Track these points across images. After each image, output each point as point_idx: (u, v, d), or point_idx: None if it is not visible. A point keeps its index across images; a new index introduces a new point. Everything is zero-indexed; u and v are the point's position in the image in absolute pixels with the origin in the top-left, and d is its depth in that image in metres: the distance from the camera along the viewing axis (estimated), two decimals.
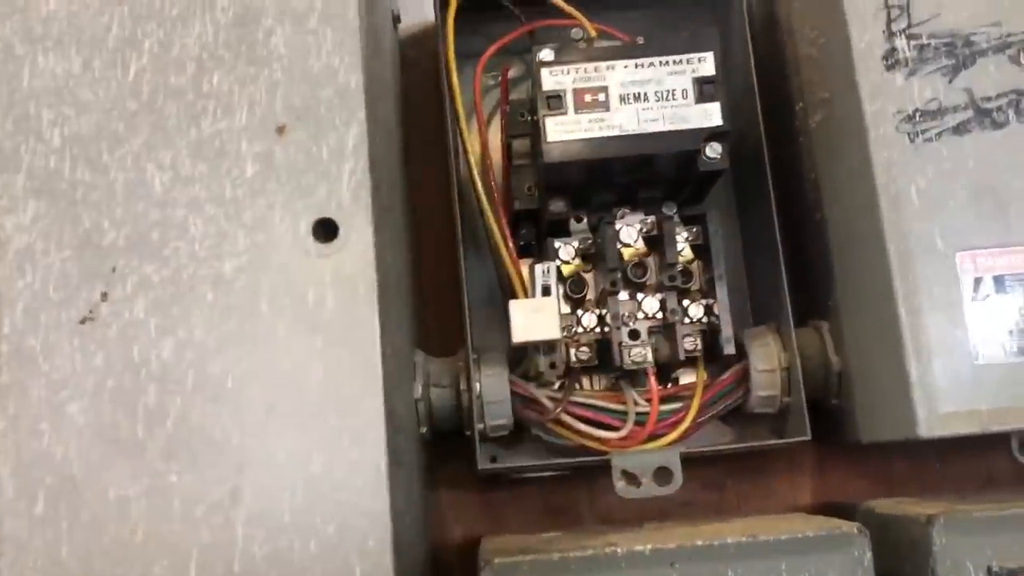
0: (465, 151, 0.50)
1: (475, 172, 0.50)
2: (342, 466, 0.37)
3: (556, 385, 0.49)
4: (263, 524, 0.37)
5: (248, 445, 0.37)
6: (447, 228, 0.53)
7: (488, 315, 0.53)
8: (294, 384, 0.38)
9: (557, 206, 0.49)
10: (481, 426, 0.47)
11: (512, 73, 0.54)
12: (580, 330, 0.49)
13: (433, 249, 0.55)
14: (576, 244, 0.50)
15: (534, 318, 0.45)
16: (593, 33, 0.51)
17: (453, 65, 0.50)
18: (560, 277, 0.49)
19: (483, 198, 0.49)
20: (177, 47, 0.41)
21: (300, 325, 0.38)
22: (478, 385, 0.47)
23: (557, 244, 0.50)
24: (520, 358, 0.49)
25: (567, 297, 0.49)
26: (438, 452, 0.52)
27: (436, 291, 0.55)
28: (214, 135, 0.40)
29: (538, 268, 0.48)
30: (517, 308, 0.46)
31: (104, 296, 0.39)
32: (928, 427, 0.41)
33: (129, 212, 0.39)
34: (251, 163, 0.40)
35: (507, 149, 0.52)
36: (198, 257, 0.39)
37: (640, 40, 0.48)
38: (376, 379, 0.38)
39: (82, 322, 0.38)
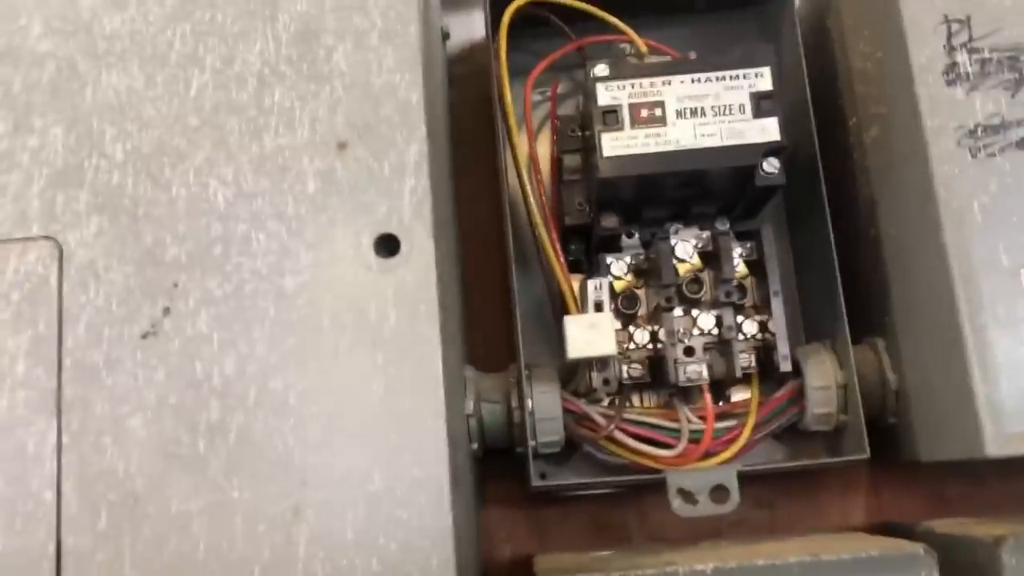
0: (517, 167, 0.50)
1: (528, 188, 0.49)
2: (404, 483, 0.37)
3: (606, 402, 0.49)
4: (325, 541, 0.36)
5: (310, 461, 0.37)
6: (494, 243, 0.52)
7: (535, 330, 0.53)
8: (356, 400, 0.38)
9: (609, 221, 0.48)
10: (533, 443, 0.47)
11: (559, 89, 0.54)
12: (632, 346, 0.49)
13: (479, 263, 0.55)
14: (628, 260, 0.50)
15: (590, 334, 0.45)
16: (644, 48, 0.51)
17: (507, 81, 0.50)
18: (612, 293, 0.49)
19: (536, 213, 0.49)
20: (239, 63, 0.41)
21: (362, 341, 0.38)
22: (530, 402, 0.47)
23: (609, 259, 0.50)
24: (570, 374, 0.49)
25: (618, 313, 0.49)
26: (486, 469, 0.52)
27: (483, 306, 0.55)
28: (276, 151, 0.40)
29: (590, 284, 0.48)
30: (572, 324, 0.45)
31: (166, 311, 0.39)
32: (997, 446, 0.40)
33: (191, 227, 0.39)
34: (312, 179, 0.40)
35: (557, 165, 0.52)
36: (260, 273, 0.39)
37: (692, 55, 0.48)
38: (438, 396, 0.38)
39: (144, 337, 0.38)
